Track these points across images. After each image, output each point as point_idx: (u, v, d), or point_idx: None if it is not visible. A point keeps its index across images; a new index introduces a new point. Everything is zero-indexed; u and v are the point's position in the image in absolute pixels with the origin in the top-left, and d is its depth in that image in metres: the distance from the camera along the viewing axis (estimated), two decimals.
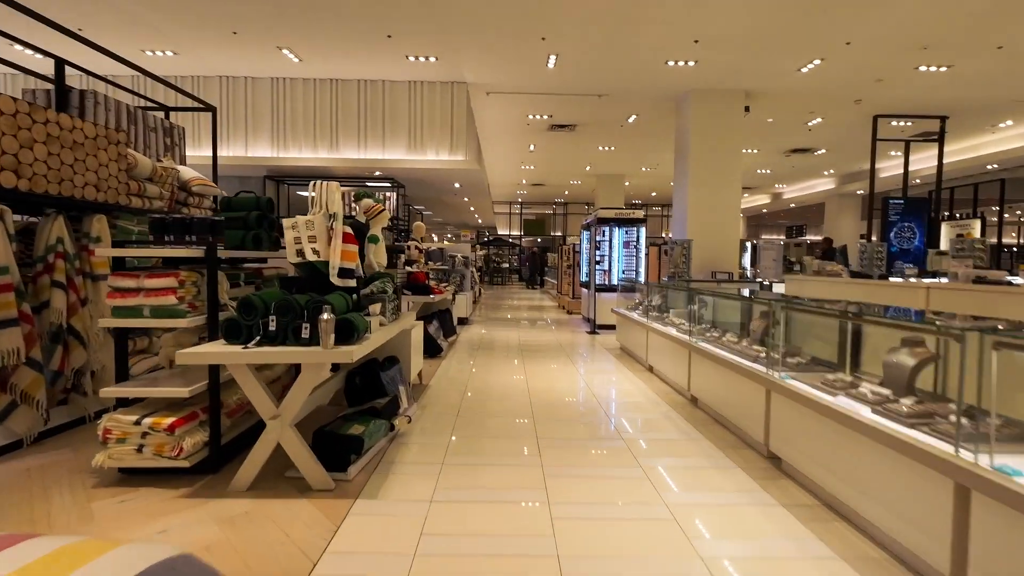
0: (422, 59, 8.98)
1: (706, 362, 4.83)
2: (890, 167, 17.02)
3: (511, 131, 13.62)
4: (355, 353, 3.05)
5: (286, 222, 3.45)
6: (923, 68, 9.00)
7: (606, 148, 15.75)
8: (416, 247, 8.77)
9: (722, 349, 4.64)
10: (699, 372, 5.05)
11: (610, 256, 10.33)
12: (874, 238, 11.22)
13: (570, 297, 13.83)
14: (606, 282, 10.33)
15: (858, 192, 20.53)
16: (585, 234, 12.07)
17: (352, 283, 3.60)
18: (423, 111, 10.25)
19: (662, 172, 19.51)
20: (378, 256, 4.11)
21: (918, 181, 16.73)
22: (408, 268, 7.40)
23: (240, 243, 3.66)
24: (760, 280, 7.90)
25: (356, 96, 10.17)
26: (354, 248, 3.57)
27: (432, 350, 7.06)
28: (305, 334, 3.04)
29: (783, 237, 25.07)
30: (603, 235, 9.84)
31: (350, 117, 10.21)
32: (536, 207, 30.94)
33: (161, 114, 6.06)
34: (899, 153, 13.16)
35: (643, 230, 10.22)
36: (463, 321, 10.86)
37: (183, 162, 6.08)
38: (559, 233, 31.18)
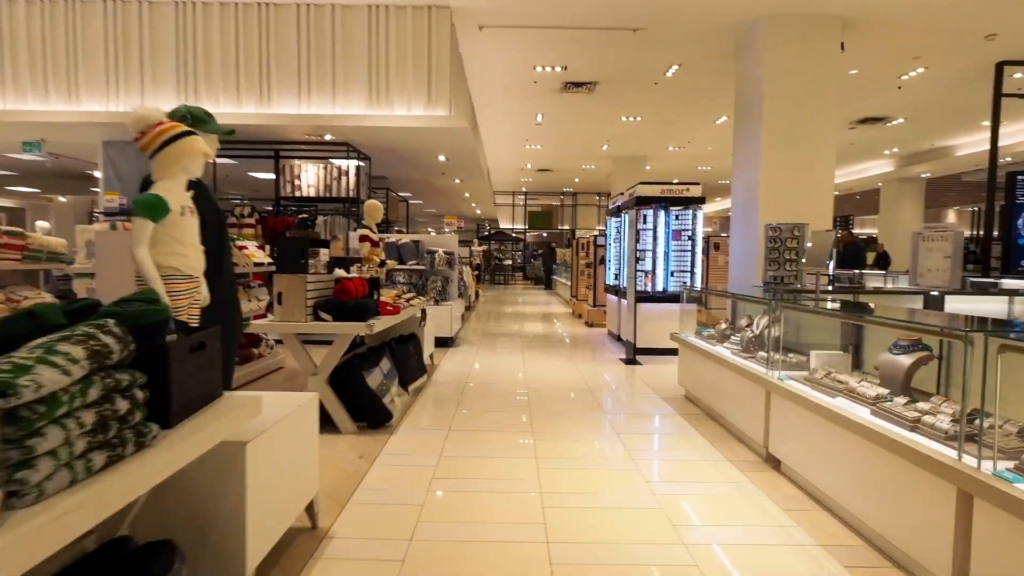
0: None
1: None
2: (970, 143, 14.07)
3: (513, 92, 10.63)
4: None
5: None
6: None
7: (630, 118, 12.75)
8: (369, 238, 5.86)
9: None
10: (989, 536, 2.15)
11: (654, 251, 7.39)
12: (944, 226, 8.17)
13: (589, 304, 10.87)
14: (648, 288, 7.39)
15: (923, 176, 17.48)
16: (615, 222, 9.10)
17: None
18: (390, 47, 7.29)
19: (692, 152, 16.51)
20: None
21: (1009, 159, 13.72)
22: (344, 274, 4.45)
23: None
24: (928, 289, 4.95)
25: (295, 26, 7.22)
26: None
27: (372, 416, 4.10)
28: None
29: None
30: (643, 221, 6.91)
31: (287, 56, 7.26)
32: (542, 198, 27.97)
33: None
34: (989, 124, 10.07)
35: (700, 214, 7.26)
36: (447, 342, 7.94)
37: None
38: (567, 227, 28.22)
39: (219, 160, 8.79)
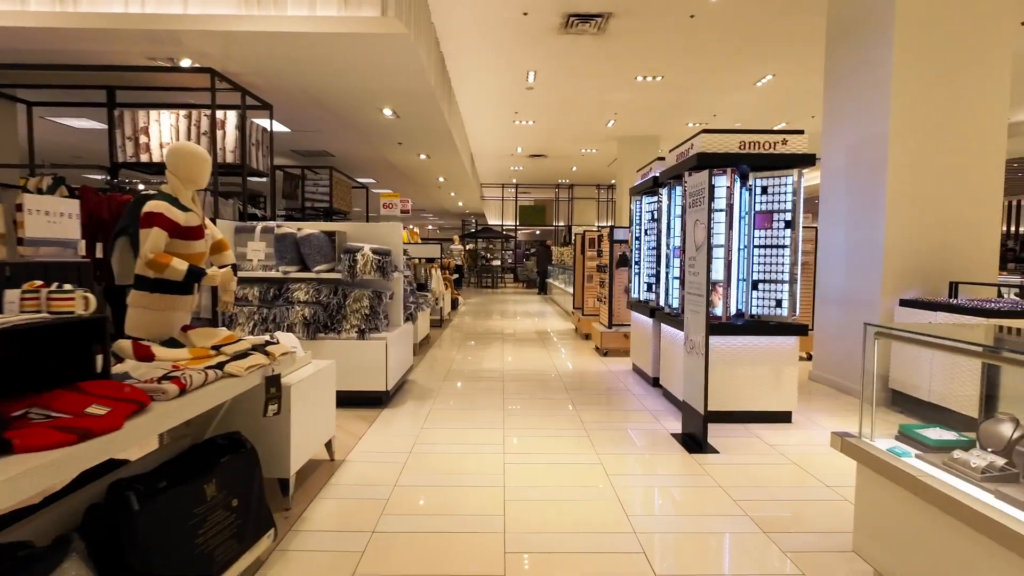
0: None
1: None
2: None
3: (497, 32, 7.52)
4: None
5: None
6: None
7: (648, 78, 9.69)
8: (165, 220, 2.71)
9: None
10: None
11: (728, 245, 4.25)
12: None
13: (603, 323, 7.75)
14: (716, 309, 4.26)
15: None
16: (647, 203, 5.97)
17: None
18: None
19: (724, 124, 13.41)
20: None
21: None
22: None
23: None
24: None
25: None
26: None
27: None
28: None
29: None
30: (699, 200, 3.75)
31: None
32: (535, 190, 24.87)
33: None
34: None
35: (801, 183, 4.11)
36: (376, 400, 4.80)
37: None
38: (563, 223, 25.17)
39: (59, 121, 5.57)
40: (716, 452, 3.80)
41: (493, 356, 7.38)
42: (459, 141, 11.42)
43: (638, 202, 6.20)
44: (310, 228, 4.89)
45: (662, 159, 5.56)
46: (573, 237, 15.43)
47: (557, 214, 25.90)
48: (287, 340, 3.22)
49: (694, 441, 3.91)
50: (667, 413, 4.76)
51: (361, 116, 7.91)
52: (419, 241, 16.97)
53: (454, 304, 13.15)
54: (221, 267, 3.11)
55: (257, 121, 5.94)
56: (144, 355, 2.34)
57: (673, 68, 9.18)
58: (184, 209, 2.86)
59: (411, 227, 32.25)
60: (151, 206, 2.74)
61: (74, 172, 5.66)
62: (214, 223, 4.99)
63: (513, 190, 24.26)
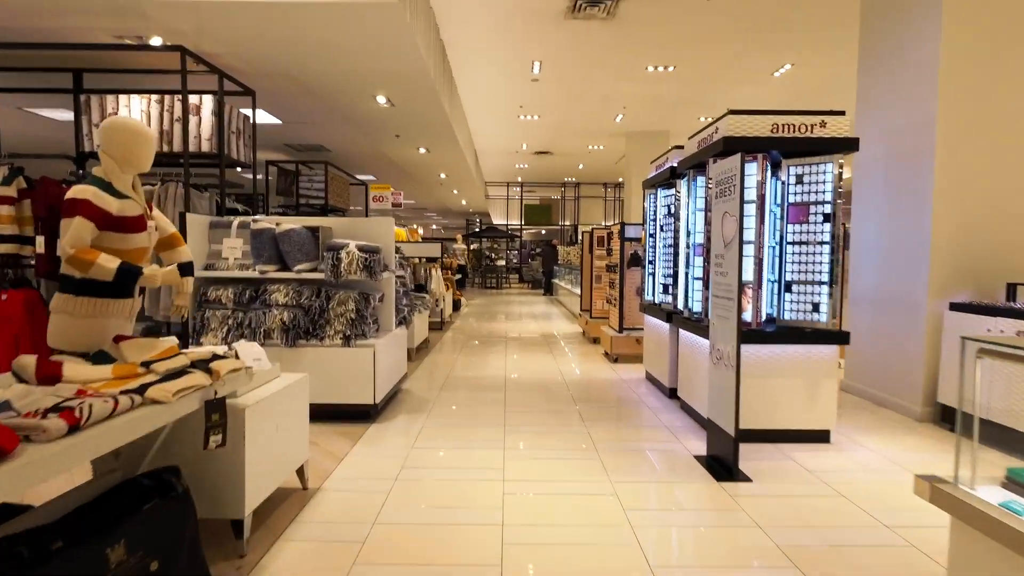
0: None
1: None
2: None
3: (501, 20, 7.02)
4: None
5: None
6: None
7: (659, 68, 9.21)
8: (86, 207, 2.22)
9: None
10: None
11: (759, 242, 3.74)
12: None
13: (612, 327, 7.25)
14: (736, 309, 3.74)
15: None
16: (664, 196, 5.46)
17: None
18: None
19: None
20: None
21: None
22: None
23: None
24: None
25: None
26: None
27: None
28: None
29: None
30: (728, 190, 3.25)
31: None
32: (540, 189, 24.37)
33: None
34: None
35: (841, 173, 3.59)
36: (363, 414, 4.32)
37: None
38: (568, 222, 24.67)
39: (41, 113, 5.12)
40: (748, 480, 3.29)
41: (495, 362, 6.89)
42: (461, 136, 10.95)
43: (652, 196, 5.68)
44: (290, 223, 4.41)
45: (680, 147, 5.04)
46: (580, 236, 14.96)
47: (563, 213, 25.38)
48: (248, 351, 2.74)
49: (722, 466, 3.40)
50: (687, 430, 4.25)
51: (353, 104, 7.42)
52: (419, 240, 16.50)
53: (456, 305, 12.68)
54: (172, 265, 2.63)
55: (243, 111, 5.48)
56: (48, 375, 1.86)
57: (686, 57, 8.67)
58: (119, 196, 2.38)
59: (414, 226, 31.89)
60: (75, 191, 2.27)
61: (41, 163, 5.21)
62: (181, 218, 4.53)
63: (518, 189, 23.77)
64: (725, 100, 11.05)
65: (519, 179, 22.58)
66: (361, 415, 4.37)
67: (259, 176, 10.03)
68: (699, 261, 4.44)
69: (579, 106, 11.61)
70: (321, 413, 4.33)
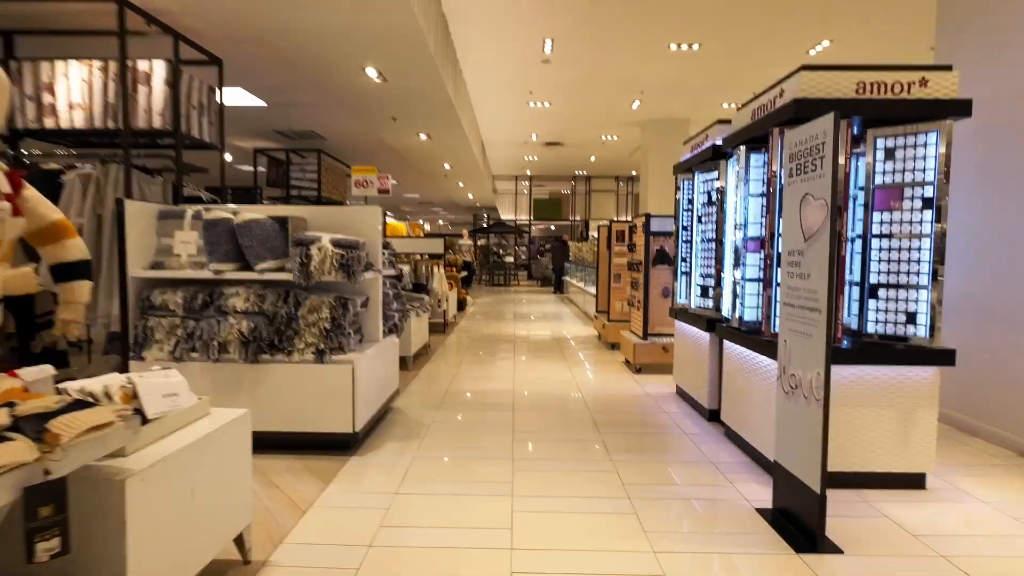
0: None
1: None
2: None
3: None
4: None
5: None
6: None
7: (683, 46, 8.38)
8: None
9: None
10: None
11: (841, 233, 2.91)
12: None
13: (635, 333, 6.42)
14: (825, 323, 2.90)
15: None
16: (702, 180, 4.61)
17: None
18: None
19: None
20: None
21: None
22: None
23: None
24: None
25: None
26: None
27: None
28: None
29: None
30: (811, 164, 2.44)
31: None
32: (550, 183, 23.55)
33: None
34: None
35: (950, 147, 2.73)
36: (343, 444, 3.53)
37: None
38: (579, 217, 23.82)
39: None
40: (839, 551, 2.46)
41: (502, 373, 6.09)
42: (465, 121, 10.14)
43: (687, 182, 4.84)
44: (253, 212, 3.62)
45: (726, 122, 4.20)
46: (597, 231, 14.09)
47: (573, 208, 24.52)
48: (155, 387, 1.95)
49: (799, 529, 2.58)
50: (739, 468, 3.43)
51: (341, 79, 6.61)
52: (422, 235, 15.73)
53: (461, 305, 11.89)
54: (59, 265, 1.85)
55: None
56: None
57: (713, 33, 7.81)
58: None
59: (420, 221, 31.13)
60: None
61: None
62: (118, 205, 3.74)
63: (527, 183, 22.94)
64: (752, 84, 10.16)
65: (528, 172, 21.77)
66: (340, 445, 3.59)
67: (249, 167, 9.31)
68: (753, 259, 3.61)
69: (593, 91, 10.77)
70: (291, 443, 3.56)
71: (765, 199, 3.43)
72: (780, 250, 3.05)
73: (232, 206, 3.77)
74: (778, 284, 3.16)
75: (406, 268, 8.58)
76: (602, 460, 3.55)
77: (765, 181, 3.47)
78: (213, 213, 3.53)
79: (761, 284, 3.42)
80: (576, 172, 21.92)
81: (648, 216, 6.07)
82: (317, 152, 8.64)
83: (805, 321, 2.55)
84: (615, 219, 11.61)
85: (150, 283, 3.68)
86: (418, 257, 9.00)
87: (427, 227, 33.61)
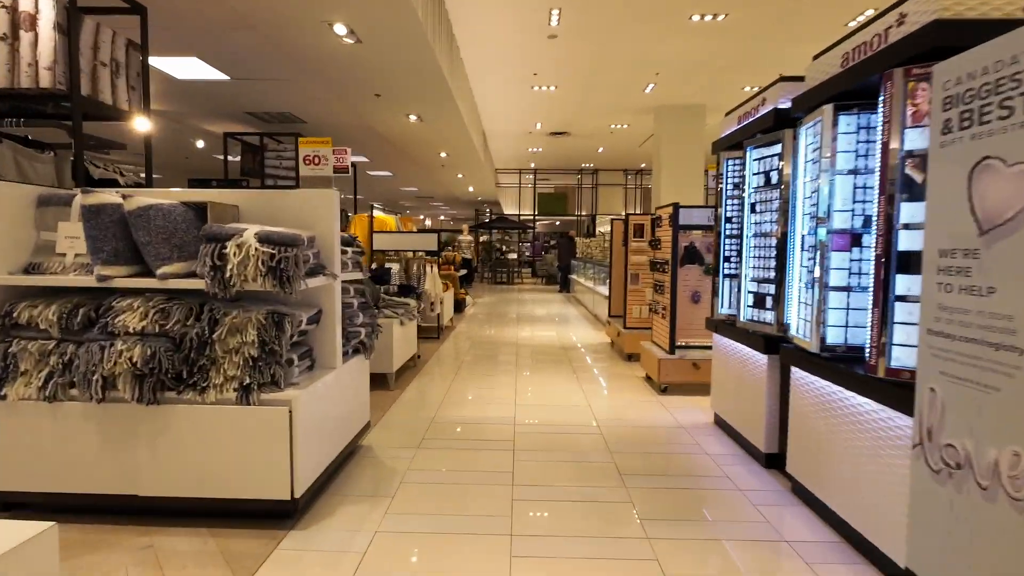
0: None
1: None
2: None
3: None
4: None
5: None
6: None
7: (708, 17, 7.41)
8: None
9: None
10: None
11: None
12: None
13: (659, 345, 5.44)
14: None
15: None
16: (755, 158, 3.60)
17: None
18: None
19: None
20: None
21: None
22: None
23: None
24: None
25: None
26: None
27: None
28: None
29: None
30: (987, 111, 1.53)
31: None
32: (555, 176, 22.54)
33: None
34: None
35: None
36: (283, 513, 2.56)
37: None
38: (585, 213, 22.80)
39: None
40: None
41: (501, 393, 5.11)
42: (463, 103, 9.15)
43: (734, 162, 3.85)
44: (152, 197, 2.65)
45: (794, 78, 3.20)
46: (610, 226, 13.11)
47: (579, 203, 23.47)
48: None
49: None
50: (829, 551, 2.45)
51: (306, 42, 5.59)
52: (414, 230, 14.76)
53: (459, 306, 10.92)
54: None
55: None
56: None
57: (748, 5, 6.80)
58: None
59: (421, 217, 30.14)
60: None
61: None
62: None
63: (531, 176, 21.91)
64: (779, 64, 9.11)
65: (532, 164, 20.74)
66: (274, 514, 2.63)
67: (229, 156, 8.36)
68: (840, 259, 2.63)
69: (604, 72, 9.75)
70: (206, 511, 2.60)
71: (855, 178, 2.44)
72: (898, 247, 2.08)
73: (123, 189, 2.80)
74: (895, 298, 2.17)
75: (395, 267, 7.62)
76: (635, 537, 2.57)
77: (860, 153, 2.47)
78: (95, 196, 2.56)
79: (866, 296, 2.43)
80: (583, 165, 20.92)
81: (676, 207, 5.07)
82: (295, 136, 7.69)
83: (983, 365, 1.57)
84: (634, 212, 10.61)
85: (19, 292, 2.72)
86: (409, 255, 8.05)
87: (428, 223, 32.58)
